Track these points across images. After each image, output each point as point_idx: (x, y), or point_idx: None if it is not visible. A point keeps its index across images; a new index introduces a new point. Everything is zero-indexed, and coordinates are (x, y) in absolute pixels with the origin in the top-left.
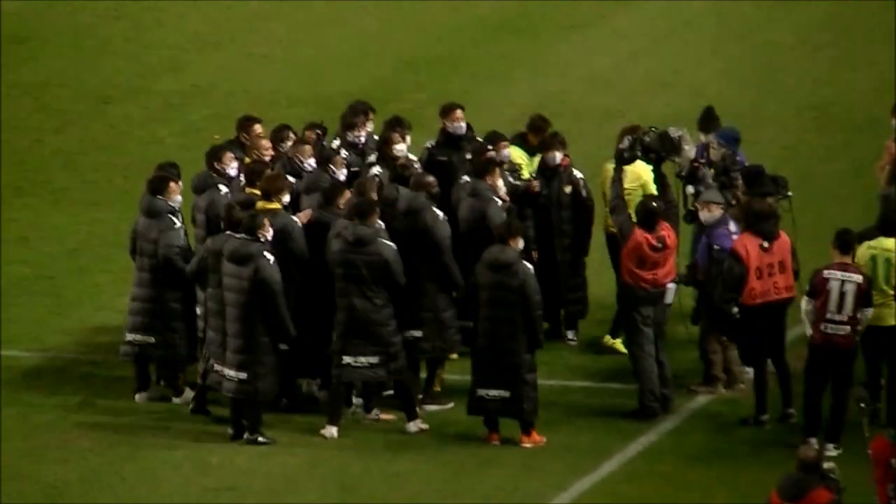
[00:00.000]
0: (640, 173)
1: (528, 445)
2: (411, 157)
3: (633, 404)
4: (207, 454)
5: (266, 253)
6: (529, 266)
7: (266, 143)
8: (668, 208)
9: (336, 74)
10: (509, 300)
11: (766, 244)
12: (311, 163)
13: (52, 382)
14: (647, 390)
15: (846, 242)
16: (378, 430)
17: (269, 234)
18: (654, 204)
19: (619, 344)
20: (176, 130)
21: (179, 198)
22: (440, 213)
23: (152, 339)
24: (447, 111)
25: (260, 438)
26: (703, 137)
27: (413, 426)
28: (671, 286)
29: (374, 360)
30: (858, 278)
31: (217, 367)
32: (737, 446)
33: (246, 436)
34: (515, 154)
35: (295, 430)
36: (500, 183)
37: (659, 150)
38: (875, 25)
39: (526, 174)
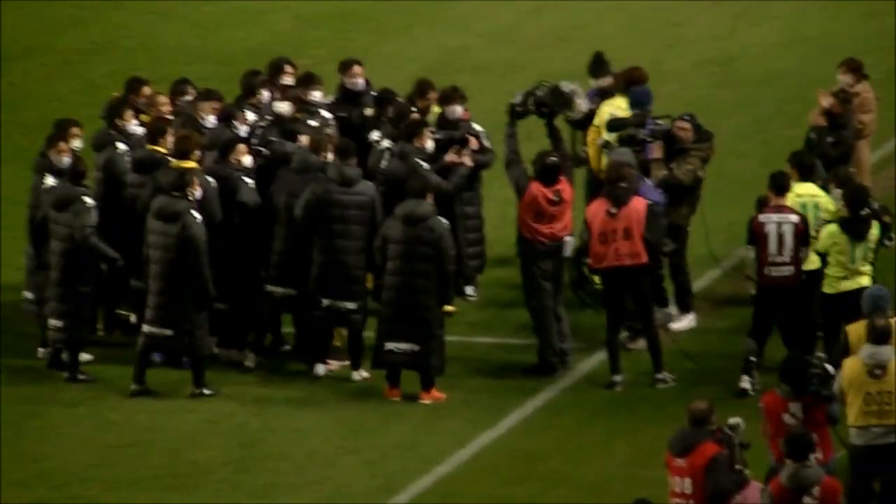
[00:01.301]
0: (615, 112)
1: (427, 402)
2: (325, 114)
3: (532, 360)
4: (108, 411)
5: (193, 211)
6: (445, 221)
7: (164, 99)
8: (564, 162)
9: (236, 30)
10: (423, 254)
11: (613, 210)
12: (210, 119)
13: None
14: (546, 345)
15: (781, 185)
16: (278, 387)
17: (198, 192)
18: (553, 158)
19: None
20: (76, 88)
21: (66, 159)
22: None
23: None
24: (345, 67)
25: (205, 391)
26: (592, 83)
27: (322, 369)
28: (568, 240)
29: (353, 305)
30: (794, 218)
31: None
32: (636, 401)
33: (192, 390)
34: None
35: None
36: (429, 145)
37: (552, 105)
38: None
39: None
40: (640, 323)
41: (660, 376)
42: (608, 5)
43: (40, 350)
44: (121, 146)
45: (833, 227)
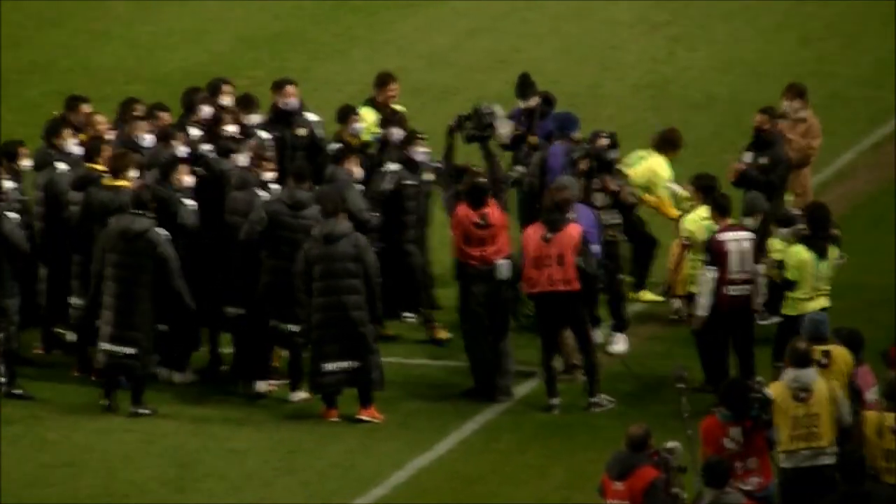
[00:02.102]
0: (656, 169)
1: (365, 418)
2: (264, 135)
3: (470, 383)
4: (45, 430)
5: (157, 228)
6: (364, 236)
7: (101, 118)
8: (496, 185)
9: (174, 51)
10: (349, 270)
11: (548, 235)
12: (148, 138)
13: None
14: (475, 368)
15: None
16: (215, 408)
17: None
18: (481, 180)
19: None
20: (14, 107)
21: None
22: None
23: None
24: (279, 87)
25: (142, 410)
26: (521, 104)
27: (263, 385)
28: (501, 262)
29: (296, 328)
30: (749, 234)
31: None
32: (573, 426)
33: (131, 409)
34: (368, 115)
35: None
36: (357, 170)
37: (477, 128)
38: (712, 4)
39: (367, 135)
40: (581, 347)
41: (594, 400)
42: (546, 29)
43: None
44: (60, 166)
45: (799, 248)
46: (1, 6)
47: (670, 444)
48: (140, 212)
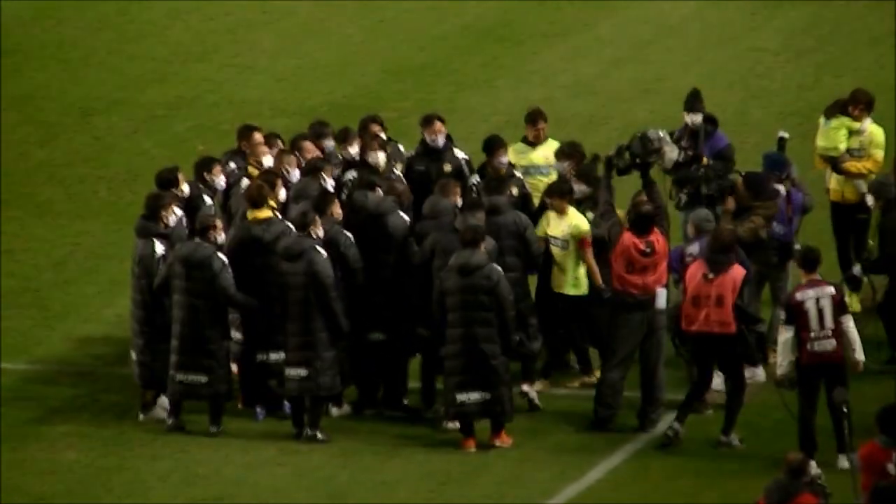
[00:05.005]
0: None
1: (497, 444)
2: (396, 169)
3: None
4: (195, 465)
5: (318, 248)
6: (500, 268)
7: (265, 149)
8: (658, 212)
9: (320, 84)
10: (482, 302)
11: (710, 275)
12: (296, 173)
13: (39, 394)
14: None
15: (811, 260)
16: (365, 440)
17: (321, 231)
18: (647, 207)
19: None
20: (161, 142)
21: (173, 217)
22: (406, 218)
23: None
24: (427, 122)
25: (319, 435)
26: (687, 118)
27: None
28: (661, 291)
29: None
30: (831, 290)
31: (180, 376)
32: (723, 453)
33: (306, 432)
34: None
35: (283, 439)
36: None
37: (642, 154)
38: (859, 30)
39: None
40: (729, 384)
41: (725, 439)
42: (691, 57)
43: (141, 416)
44: (207, 200)
45: None
46: (147, 42)
47: (817, 471)
48: (302, 232)
